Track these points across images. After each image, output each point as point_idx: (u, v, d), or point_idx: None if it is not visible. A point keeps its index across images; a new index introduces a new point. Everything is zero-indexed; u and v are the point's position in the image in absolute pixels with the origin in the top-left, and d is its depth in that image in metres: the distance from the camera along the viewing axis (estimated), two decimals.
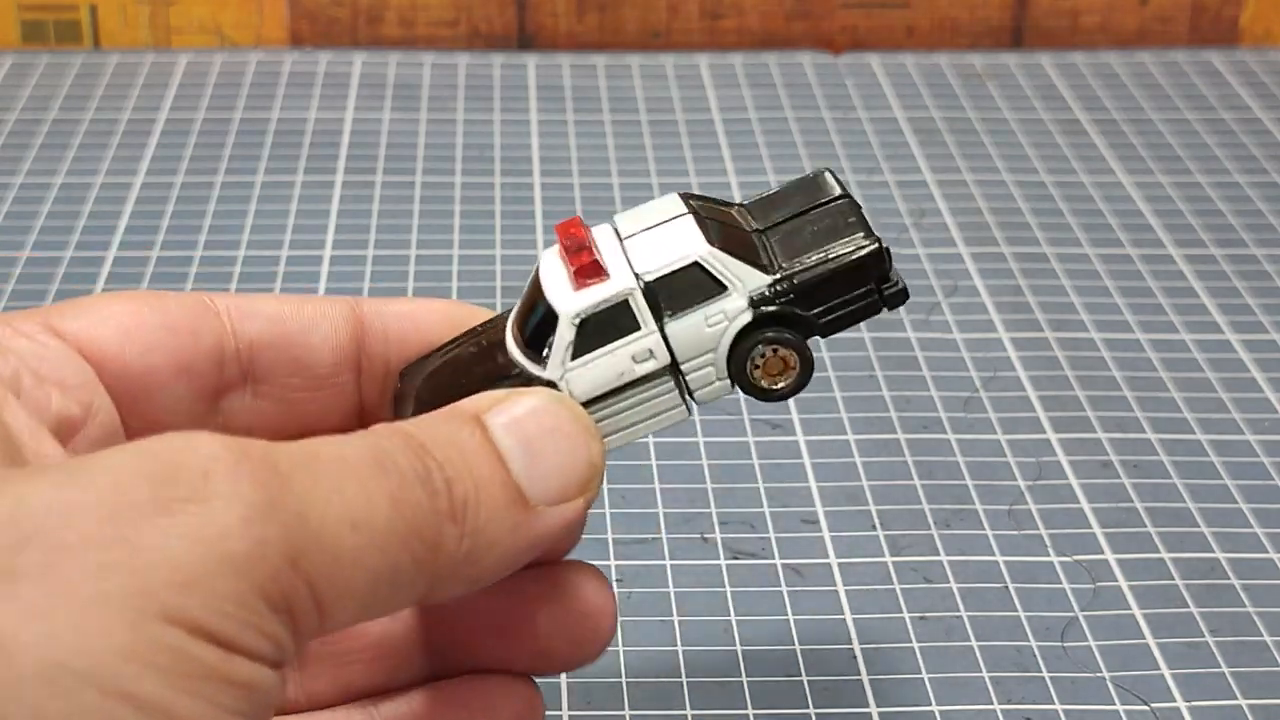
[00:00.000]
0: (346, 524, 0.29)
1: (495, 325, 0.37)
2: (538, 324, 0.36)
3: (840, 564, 0.49)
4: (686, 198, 0.37)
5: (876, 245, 0.36)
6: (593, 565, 0.37)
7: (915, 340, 0.61)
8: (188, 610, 0.26)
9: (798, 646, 0.47)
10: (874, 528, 0.51)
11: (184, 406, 0.36)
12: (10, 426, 0.31)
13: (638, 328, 0.35)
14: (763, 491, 0.53)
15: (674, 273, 0.35)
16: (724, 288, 0.35)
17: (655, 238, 0.36)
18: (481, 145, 0.77)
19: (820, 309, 0.36)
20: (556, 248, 0.36)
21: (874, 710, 0.45)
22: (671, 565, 0.50)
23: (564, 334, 0.35)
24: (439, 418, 0.33)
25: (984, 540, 0.51)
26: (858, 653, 0.47)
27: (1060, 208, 0.72)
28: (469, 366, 0.37)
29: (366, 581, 0.29)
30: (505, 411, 0.33)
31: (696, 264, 0.35)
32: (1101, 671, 0.46)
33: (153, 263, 0.66)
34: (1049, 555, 0.50)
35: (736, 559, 0.50)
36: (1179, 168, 0.75)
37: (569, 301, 0.35)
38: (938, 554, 0.50)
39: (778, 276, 0.35)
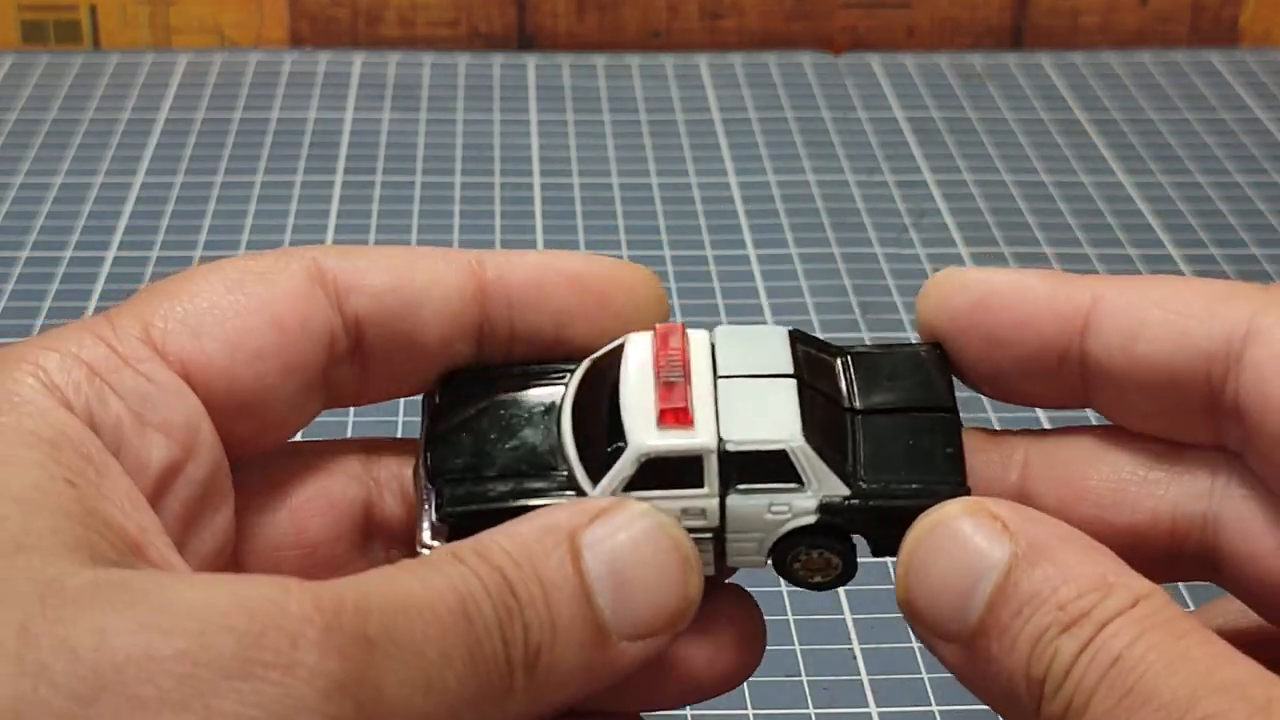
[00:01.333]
0: (421, 690, 0.28)
1: (558, 374, 0.36)
2: (602, 437, 0.34)
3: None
4: (795, 339, 0.35)
5: (966, 495, 0.34)
6: (738, 587, 0.35)
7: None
8: None
9: (798, 646, 0.47)
10: None
11: (290, 404, 0.34)
12: (114, 518, 0.30)
13: (700, 486, 0.33)
14: None
15: (758, 452, 0.33)
16: (800, 483, 0.33)
17: (752, 396, 0.34)
18: (481, 145, 0.77)
19: (884, 535, 0.34)
20: (647, 339, 0.35)
21: (874, 710, 0.45)
22: None
23: (625, 466, 0.33)
24: (531, 536, 0.31)
25: None
26: (858, 653, 0.47)
27: (1060, 208, 0.71)
28: (516, 433, 0.35)
29: None
30: (603, 533, 0.31)
31: (784, 452, 0.33)
32: None
33: (152, 263, 0.66)
34: None
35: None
36: (1179, 168, 0.75)
37: (644, 436, 0.33)
38: None
39: (854, 493, 0.33)
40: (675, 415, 0.33)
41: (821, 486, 0.33)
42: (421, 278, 0.35)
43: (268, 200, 0.71)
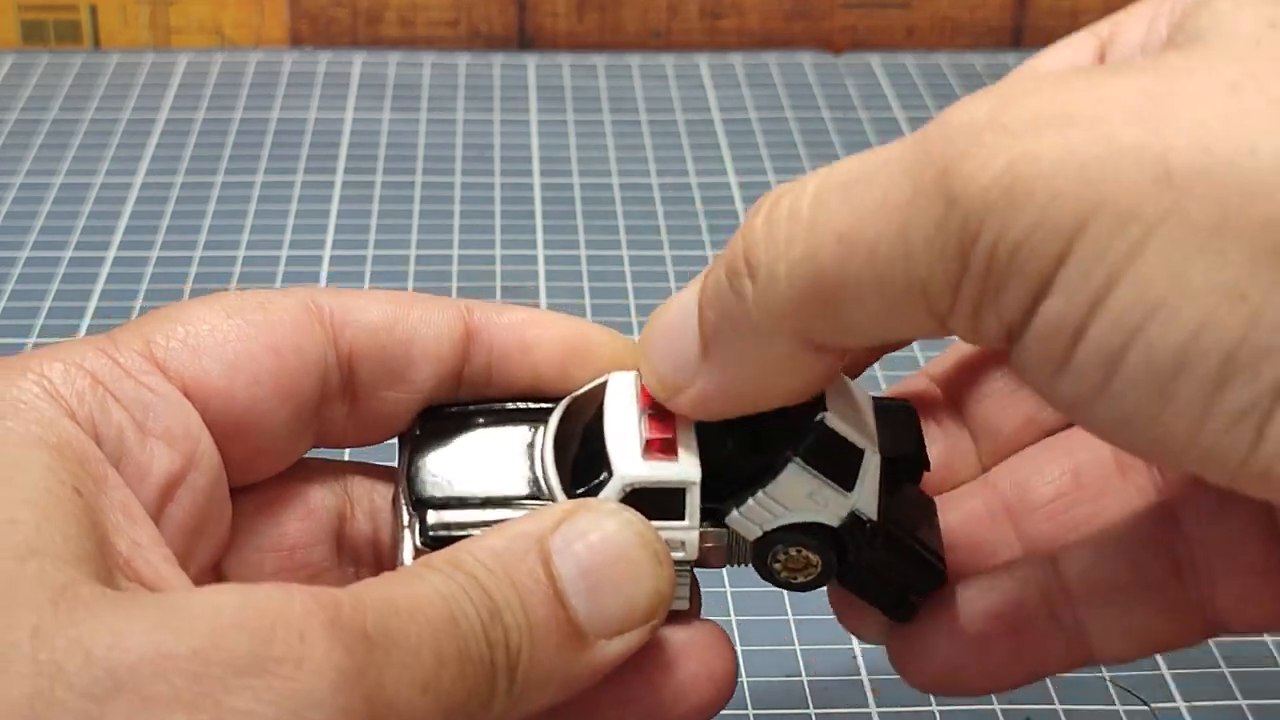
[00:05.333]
0: (418, 688, 0.29)
1: (537, 412, 0.36)
2: (586, 464, 0.34)
3: None
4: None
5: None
6: (714, 624, 0.36)
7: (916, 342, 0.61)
8: None
9: (798, 647, 0.47)
10: None
11: (284, 430, 0.35)
12: (108, 533, 0.30)
13: (681, 518, 0.34)
14: None
15: (844, 440, 0.33)
16: (850, 490, 0.34)
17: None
18: (481, 145, 0.77)
19: (886, 564, 0.35)
20: (630, 377, 0.35)
21: (874, 710, 0.45)
22: None
23: (610, 495, 0.33)
24: (501, 545, 0.32)
25: None
26: (858, 653, 0.47)
27: None
28: (497, 464, 0.35)
29: None
30: (570, 536, 0.32)
31: (861, 451, 0.34)
32: (1101, 671, 0.46)
33: (152, 263, 0.66)
34: None
35: None
36: None
37: (629, 466, 0.34)
38: None
39: (880, 520, 0.34)
40: (661, 446, 0.34)
41: (861, 500, 0.34)
42: (414, 316, 0.36)
43: (268, 200, 0.71)
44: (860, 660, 0.46)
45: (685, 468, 0.34)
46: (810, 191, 0.30)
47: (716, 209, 0.71)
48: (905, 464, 0.36)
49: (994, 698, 0.45)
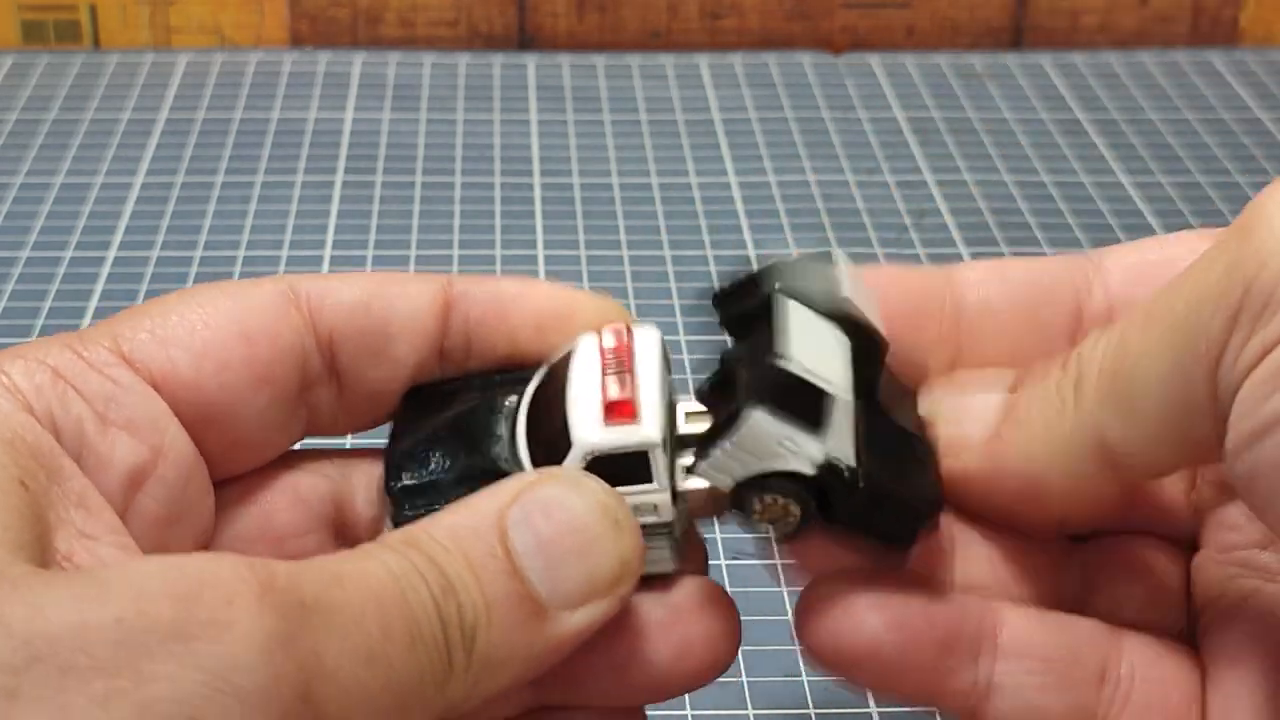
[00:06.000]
0: (362, 660, 0.28)
1: (518, 383, 0.36)
2: (552, 437, 0.34)
3: None
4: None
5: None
6: (710, 581, 0.35)
7: None
8: None
9: (798, 647, 0.47)
10: None
11: (264, 416, 0.35)
12: (50, 526, 0.30)
13: (649, 480, 0.33)
14: None
15: (808, 385, 0.32)
16: (821, 431, 0.32)
17: (821, 341, 0.33)
18: (481, 145, 0.77)
19: (865, 516, 0.33)
20: (594, 340, 0.34)
21: (874, 710, 0.45)
22: None
23: (572, 464, 0.33)
24: (458, 521, 0.31)
25: None
26: None
27: (1060, 208, 0.72)
28: (475, 441, 0.35)
29: (373, 717, 0.28)
30: (528, 508, 0.31)
31: (827, 397, 0.32)
32: None
33: (153, 263, 0.66)
34: None
35: (736, 559, 0.50)
36: (1179, 168, 0.75)
37: (587, 434, 0.33)
38: None
39: (858, 467, 0.33)
40: (620, 409, 0.33)
41: (835, 447, 0.33)
42: (391, 292, 0.36)
43: (268, 200, 0.71)
44: None
45: (645, 430, 0.33)
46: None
47: (716, 209, 0.71)
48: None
49: None
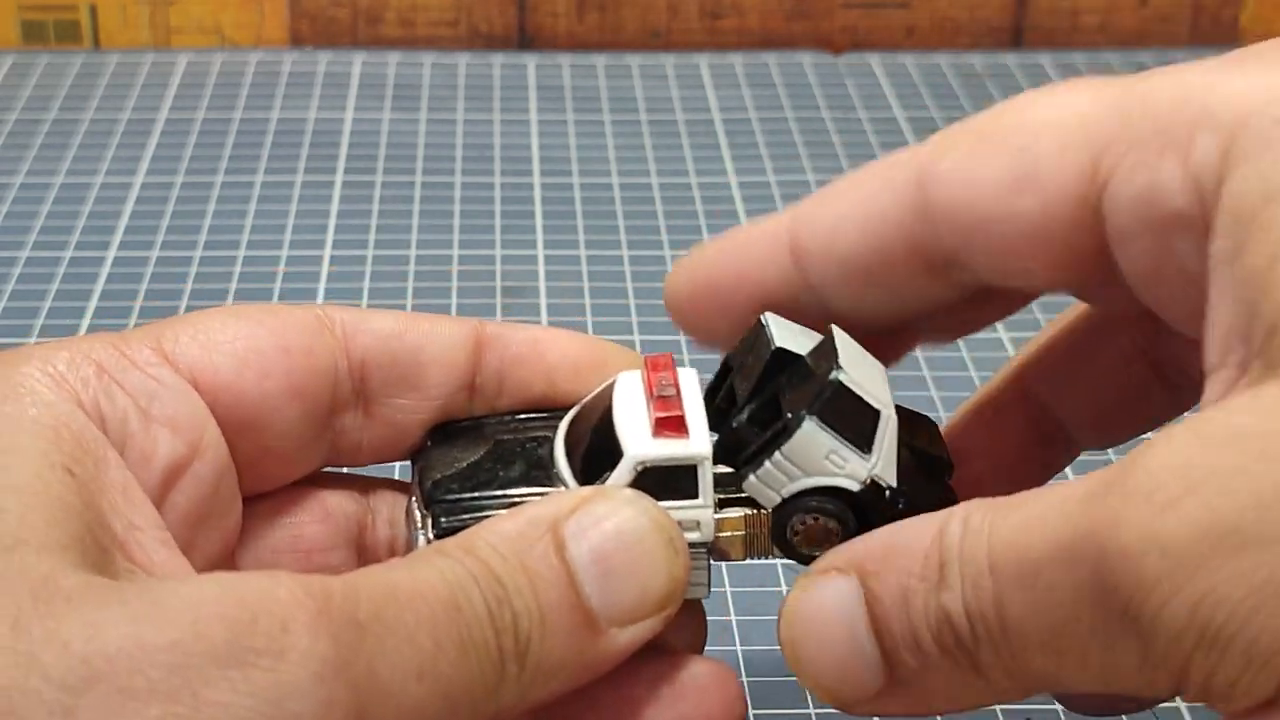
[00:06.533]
0: (414, 675, 0.28)
1: (550, 419, 0.36)
2: (598, 449, 0.34)
3: None
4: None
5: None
6: (721, 663, 0.35)
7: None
8: None
9: None
10: None
11: (296, 430, 0.35)
12: (104, 513, 0.30)
13: (695, 496, 0.33)
14: None
15: (862, 401, 0.33)
16: (869, 452, 0.33)
17: (870, 367, 0.34)
18: (481, 145, 0.77)
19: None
20: (637, 374, 0.35)
21: None
22: None
23: (621, 475, 0.33)
24: (514, 531, 0.31)
25: None
26: None
27: None
28: (510, 463, 0.35)
29: None
30: (585, 523, 0.32)
31: (879, 414, 0.33)
32: None
33: (153, 263, 0.66)
34: None
35: None
36: None
37: (639, 445, 0.33)
38: None
39: (900, 488, 0.34)
40: (671, 424, 0.33)
41: (880, 465, 0.33)
42: (424, 326, 0.36)
43: (268, 200, 0.71)
44: None
45: (696, 443, 0.33)
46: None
47: (716, 209, 0.71)
48: (933, 464, 0.36)
49: None
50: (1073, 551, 0.27)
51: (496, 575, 0.30)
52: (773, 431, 0.33)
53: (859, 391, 0.33)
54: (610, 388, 0.35)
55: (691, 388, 0.35)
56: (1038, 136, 0.32)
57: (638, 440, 0.33)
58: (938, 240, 0.33)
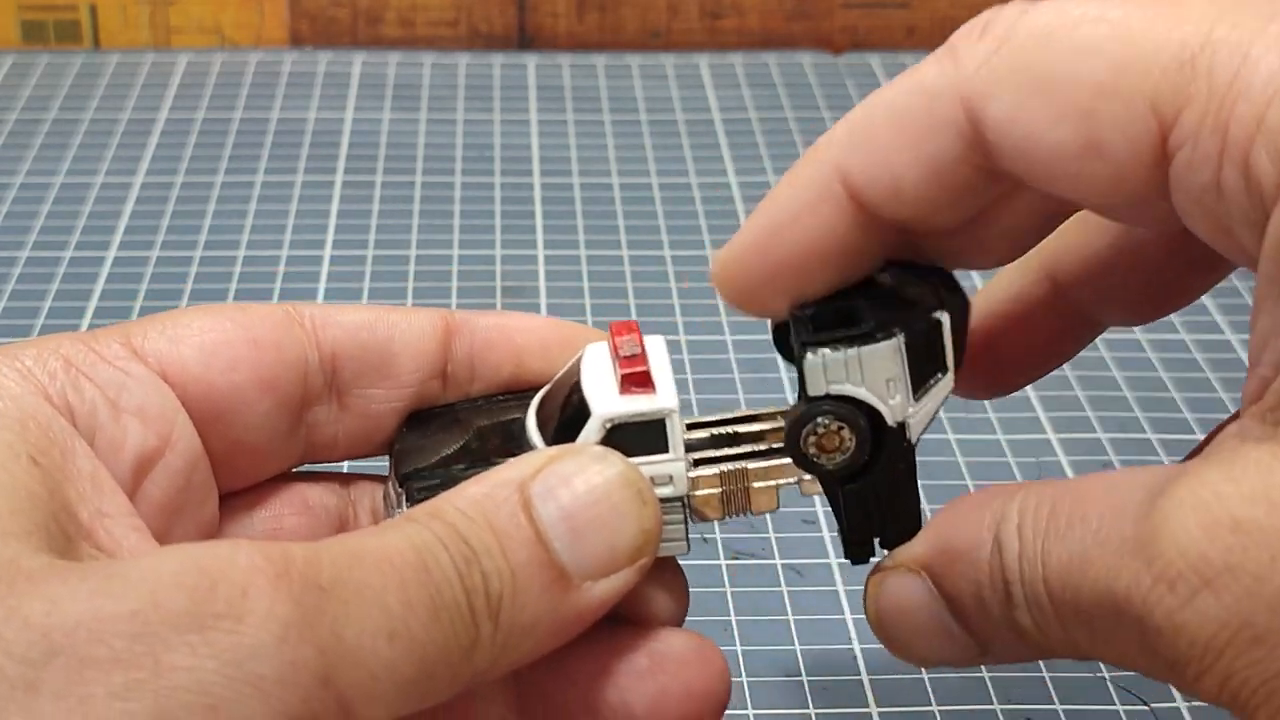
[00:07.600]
0: (384, 636, 0.29)
1: (513, 403, 0.37)
2: (568, 417, 0.35)
3: (840, 564, 0.49)
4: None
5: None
6: (704, 638, 0.35)
7: None
8: None
9: (798, 646, 0.47)
10: None
11: (268, 423, 0.35)
12: (70, 501, 0.30)
13: (665, 450, 0.34)
14: None
15: (933, 338, 0.34)
16: (936, 382, 0.34)
17: None
18: (481, 145, 0.77)
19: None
20: (603, 345, 0.36)
21: (874, 710, 0.45)
22: None
23: (590, 434, 0.34)
24: (481, 492, 0.32)
25: None
26: (858, 653, 0.47)
27: None
28: (484, 439, 0.36)
29: (399, 689, 0.29)
30: (551, 481, 0.32)
31: (947, 373, 0.34)
32: (1101, 671, 0.46)
33: (152, 263, 0.66)
34: None
35: (736, 559, 0.50)
36: None
37: (606, 404, 0.34)
38: None
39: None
40: (636, 379, 0.34)
41: (917, 418, 0.34)
42: (393, 316, 0.37)
43: (268, 200, 0.71)
44: (860, 660, 0.46)
45: (662, 398, 0.34)
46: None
47: (716, 209, 0.71)
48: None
49: (994, 698, 0.45)
50: (1117, 613, 0.30)
51: (464, 536, 0.30)
52: (860, 330, 0.34)
53: (946, 342, 0.34)
54: (579, 360, 0.36)
55: (658, 350, 0.35)
56: (1100, 94, 0.30)
57: (604, 399, 0.34)
58: (999, 164, 0.33)
